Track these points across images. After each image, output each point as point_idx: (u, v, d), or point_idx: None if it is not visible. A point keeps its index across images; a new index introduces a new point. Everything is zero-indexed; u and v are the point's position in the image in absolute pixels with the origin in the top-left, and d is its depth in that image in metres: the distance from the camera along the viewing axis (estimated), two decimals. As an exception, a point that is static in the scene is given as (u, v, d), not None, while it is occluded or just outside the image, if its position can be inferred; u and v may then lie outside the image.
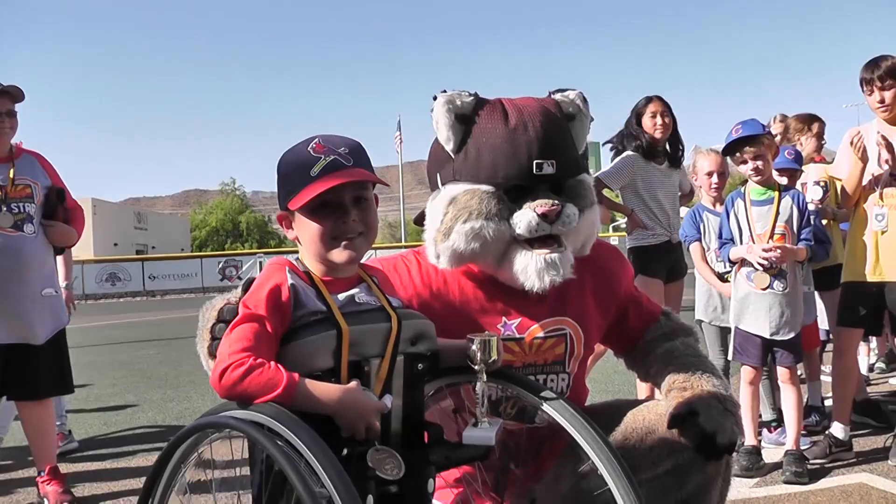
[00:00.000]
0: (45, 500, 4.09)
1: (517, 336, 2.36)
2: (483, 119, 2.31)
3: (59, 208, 4.18)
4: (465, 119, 2.32)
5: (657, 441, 2.20)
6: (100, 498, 4.24)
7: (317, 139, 1.97)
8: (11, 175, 4.05)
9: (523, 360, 2.37)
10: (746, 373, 4.24)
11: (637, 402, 2.40)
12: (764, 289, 4.05)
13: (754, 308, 4.12)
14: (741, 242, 4.15)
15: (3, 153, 4.10)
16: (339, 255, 1.95)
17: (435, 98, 2.33)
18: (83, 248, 42.06)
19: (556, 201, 2.25)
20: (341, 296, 1.96)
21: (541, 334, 2.37)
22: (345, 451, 1.78)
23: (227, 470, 2.02)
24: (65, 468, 4.45)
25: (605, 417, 2.29)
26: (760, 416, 4.59)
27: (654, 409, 2.28)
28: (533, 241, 2.26)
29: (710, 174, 4.70)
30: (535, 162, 2.24)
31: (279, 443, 1.63)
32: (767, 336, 4.08)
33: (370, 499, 1.76)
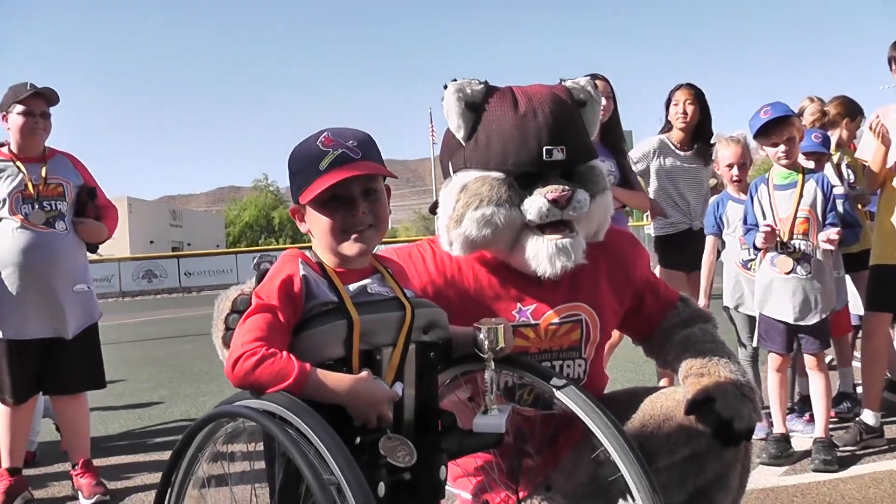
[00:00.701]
0: (79, 492, 4.17)
1: (532, 322, 2.37)
2: (493, 106, 2.32)
3: (89, 206, 4.26)
4: (475, 107, 2.34)
5: (675, 428, 2.20)
6: (132, 490, 4.30)
7: (326, 132, 1.99)
8: (44, 174, 4.15)
9: (538, 346, 2.38)
10: (773, 360, 4.19)
11: (655, 389, 2.40)
12: (787, 273, 4.00)
13: (778, 293, 4.06)
14: (765, 227, 4.09)
15: (37, 153, 4.21)
16: (349, 247, 1.97)
17: (445, 87, 2.35)
18: (120, 246, 42.64)
19: (567, 187, 2.26)
20: (353, 286, 1.98)
21: (556, 320, 2.38)
22: (357, 440, 1.80)
23: (242, 463, 2.05)
24: (98, 462, 4.52)
25: (624, 404, 2.30)
26: (766, 404, 4.51)
27: (671, 395, 2.28)
28: (544, 227, 2.28)
29: (730, 166, 4.65)
30: (544, 148, 2.26)
31: (290, 431, 1.65)
32: (791, 322, 4.03)
33: (381, 486, 1.77)
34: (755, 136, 4.18)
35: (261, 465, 1.98)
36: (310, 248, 2.08)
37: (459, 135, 2.36)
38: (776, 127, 4.02)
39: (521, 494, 2.36)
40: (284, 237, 68.33)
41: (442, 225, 2.37)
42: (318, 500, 1.55)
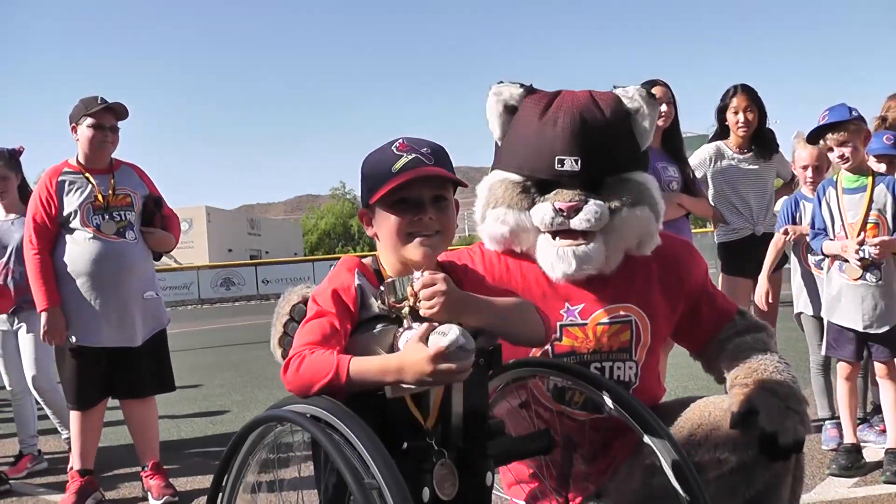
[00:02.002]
0: (148, 493, 4.28)
1: (580, 321, 2.37)
2: (523, 111, 2.38)
3: (156, 216, 4.39)
4: (512, 110, 2.40)
5: (722, 438, 2.16)
6: (201, 493, 4.37)
7: (401, 139, 2.01)
8: (112, 185, 4.27)
9: (587, 346, 2.37)
10: (842, 368, 4.08)
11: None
12: (856, 279, 3.89)
13: (847, 301, 3.95)
14: (833, 232, 4.01)
15: (104, 165, 4.33)
16: (413, 250, 1.97)
17: (490, 88, 2.42)
18: (199, 255, 43.59)
19: (579, 197, 2.26)
20: None
21: (605, 320, 2.37)
22: (404, 445, 1.81)
23: (291, 469, 2.08)
24: (170, 465, 4.63)
25: (676, 414, 2.28)
26: (837, 414, 4.35)
27: (719, 404, 2.25)
28: (555, 233, 2.31)
29: (805, 167, 4.57)
30: (556, 157, 2.27)
31: (333, 435, 1.67)
32: (861, 329, 3.91)
33: (426, 491, 1.79)
34: (808, 140, 4.12)
35: (310, 471, 2.01)
36: (370, 255, 2.10)
37: (495, 136, 2.45)
38: (828, 132, 3.92)
39: (573, 502, 2.35)
40: (362, 245, 68.84)
41: (476, 220, 2.46)
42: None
